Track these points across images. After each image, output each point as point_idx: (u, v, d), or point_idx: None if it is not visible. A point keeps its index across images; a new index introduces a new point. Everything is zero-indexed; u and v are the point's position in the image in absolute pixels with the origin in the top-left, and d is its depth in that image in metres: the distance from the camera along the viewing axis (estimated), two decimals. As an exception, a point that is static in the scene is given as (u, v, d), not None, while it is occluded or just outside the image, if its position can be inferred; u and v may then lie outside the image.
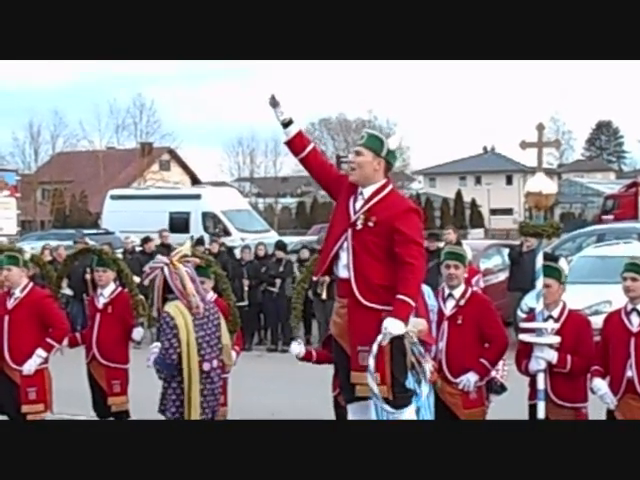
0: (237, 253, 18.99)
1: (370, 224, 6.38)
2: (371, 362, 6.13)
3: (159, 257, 7.41)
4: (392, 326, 6.15)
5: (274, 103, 6.65)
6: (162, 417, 7.14)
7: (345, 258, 6.44)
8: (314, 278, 6.95)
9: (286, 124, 6.68)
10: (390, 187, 6.55)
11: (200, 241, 20.79)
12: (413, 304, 6.28)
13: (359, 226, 6.40)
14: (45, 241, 25.94)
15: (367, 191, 6.49)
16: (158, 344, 7.26)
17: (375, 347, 6.16)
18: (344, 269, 6.46)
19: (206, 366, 7.10)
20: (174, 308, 7.12)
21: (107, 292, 9.41)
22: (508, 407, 8.01)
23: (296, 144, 6.70)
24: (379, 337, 6.16)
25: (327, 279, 8.03)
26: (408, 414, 6.39)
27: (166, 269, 7.18)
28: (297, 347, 7.88)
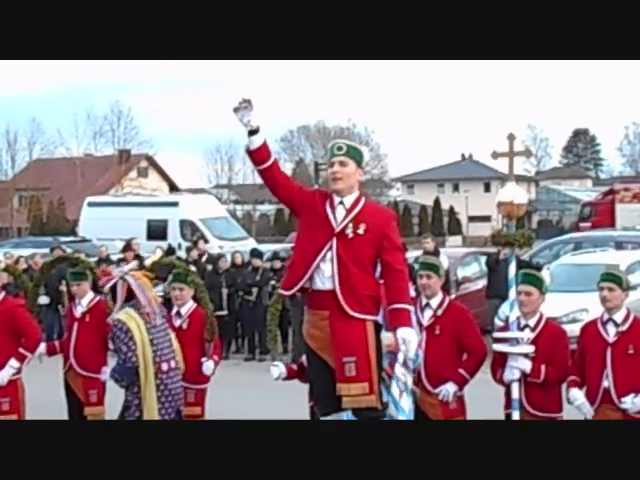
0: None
1: (360, 231, 6.33)
2: (400, 356, 6.22)
3: (117, 267, 7.66)
4: (409, 336, 6.22)
5: (248, 107, 6.32)
6: None
7: (329, 269, 6.34)
8: (286, 292, 6.61)
9: (252, 132, 6.42)
10: (364, 197, 6.58)
11: (171, 251, 20.68)
12: (411, 309, 6.38)
13: (350, 234, 6.33)
14: (22, 249, 25.84)
15: (348, 200, 6.45)
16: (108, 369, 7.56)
17: (401, 356, 6.24)
18: (327, 280, 6.36)
19: (165, 366, 7.31)
20: (124, 315, 7.41)
21: (85, 301, 9.36)
22: (485, 416, 7.99)
23: (261, 153, 6.49)
24: (402, 349, 6.22)
25: None
26: None
27: (130, 278, 7.33)
28: (276, 371, 7.73)
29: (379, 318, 6.43)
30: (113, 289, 7.54)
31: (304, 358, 7.55)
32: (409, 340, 6.21)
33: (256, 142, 6.44)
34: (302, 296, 6.74)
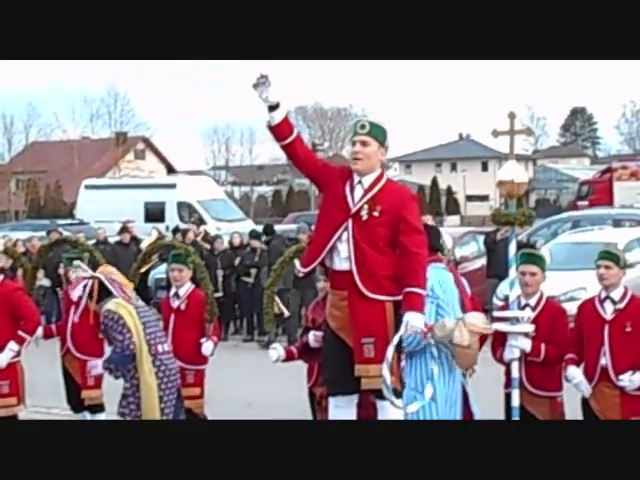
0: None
1: (375, 214, 6.24)
2: (390, 353, 6.07)
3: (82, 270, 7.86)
4: (414, 320, 6.11)
5: (265, 83, 6.22)
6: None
7: (345, 250, 6.29)
8: (303, 269, 6.59)
9: (272, 107, 6.30)
10: (385, 176, 6.46)
11: (177, 230, 20.70)
12: (425, 294, 6.27)
13: (364, 216, 6.25)
14: (20, 232, 25.84)
15: (367, 180, 6.34)
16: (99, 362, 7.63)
17: (396, 339, 6.12)
18: (344, 261, 6.30)
19: (160, 348, 7.29)
20: (112, 304, 7.44)
21: (82, 284, 9.34)
22: (485, 395, 8.01)
23: (282, 129, 6.36)
24: (401, 330, 6.12)
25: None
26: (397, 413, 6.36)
27: (99, 274, 7.44)
28: (275, 353, 7.76)
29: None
30: (91, 291, 7.67)
31: (310, 337, 7.56)
32: (413, 325, 6.10)
33: (276, 118, 6.33)
34: (305, 277, 6.72)
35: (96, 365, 8.01)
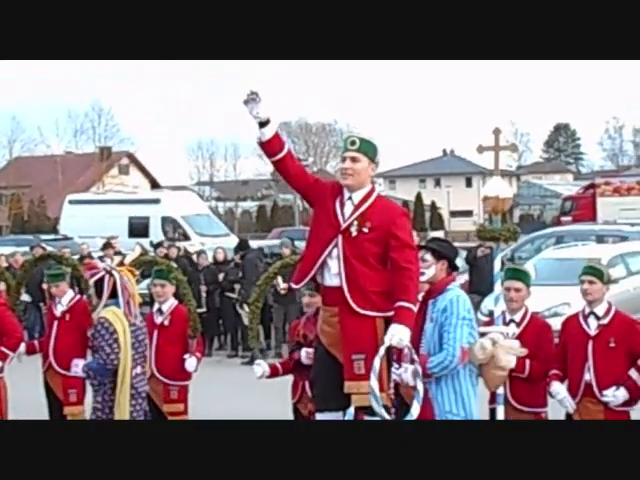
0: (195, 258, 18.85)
1: (365, 230, 6.21)
2: (377, 363, 6.02)
3: (107, 261, 7.54)
4: (399, 332, 6.05)
5: (256, 99, 6.22)
6: None
7: (336, 266, 6.26)
8: (294, 286, 6.63)
9: (263, 123, 6.30)
10: (376, 192, 6.44)
11: (159, 245, 20.66)
12: (415, 309, 6.23)
13: (354, 233, 6.22)
14: (3, 247, 25.74)
15: (357, 196, 6.32)
16: (81, 362, 7.48)
17: (382, 350, 6.06)
18: (335, 277, 6.28)
19: (133, 372, 7.20)
20: (112, 314, 7.21)
21: (65, 300, 9.32)
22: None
23: (273, 145, 6.37)
24: (385, 339, 6.05)
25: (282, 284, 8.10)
26: None
27: (116, 274, 7.22)
28: (259, 369, 7.80)
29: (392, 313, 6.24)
30: (99, 283, 7.38)
31: (303, 354, 7.54)
32: (399, 338, 6.04)
33: (267, 134, 6.33)
34: (290, 293, 6.71)
35: (77, 364, 7.87)
